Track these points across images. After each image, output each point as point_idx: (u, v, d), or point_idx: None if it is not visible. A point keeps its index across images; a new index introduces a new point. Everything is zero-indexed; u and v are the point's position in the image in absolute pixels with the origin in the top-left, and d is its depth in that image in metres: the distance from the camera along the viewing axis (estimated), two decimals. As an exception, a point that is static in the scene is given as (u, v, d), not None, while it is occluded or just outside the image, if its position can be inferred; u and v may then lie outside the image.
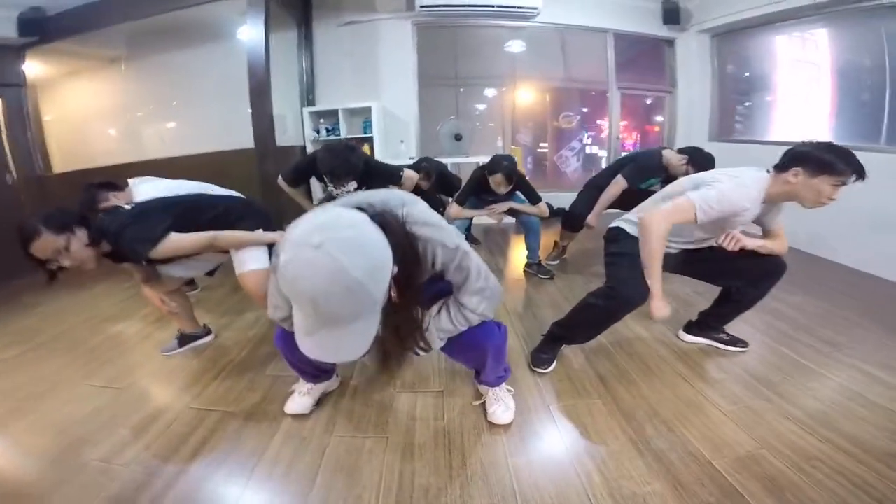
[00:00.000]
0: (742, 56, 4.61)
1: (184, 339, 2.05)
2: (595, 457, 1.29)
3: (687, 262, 1.76)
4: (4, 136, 3.99)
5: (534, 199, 2.80)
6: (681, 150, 2.65)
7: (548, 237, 3.24)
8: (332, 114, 4.40)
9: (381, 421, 1.48)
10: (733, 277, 1.74)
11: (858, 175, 1.38)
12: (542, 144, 5.35)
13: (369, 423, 1.47)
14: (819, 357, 1.84)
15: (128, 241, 1.50)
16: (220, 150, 4.00)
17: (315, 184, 3.60)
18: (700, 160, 2.47)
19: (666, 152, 2.68)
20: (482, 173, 2.75)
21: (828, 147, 1.44)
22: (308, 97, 4.50)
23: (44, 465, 1.32)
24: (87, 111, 4.42)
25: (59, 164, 4.31)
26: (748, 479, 1.17)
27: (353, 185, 2.31)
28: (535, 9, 4.24)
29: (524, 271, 2.98)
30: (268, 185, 3.81)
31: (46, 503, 1.18)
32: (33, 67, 4.15)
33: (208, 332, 2.14)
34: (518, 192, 2.84)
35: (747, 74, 4.64)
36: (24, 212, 3.98)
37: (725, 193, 1.46)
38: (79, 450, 1.38)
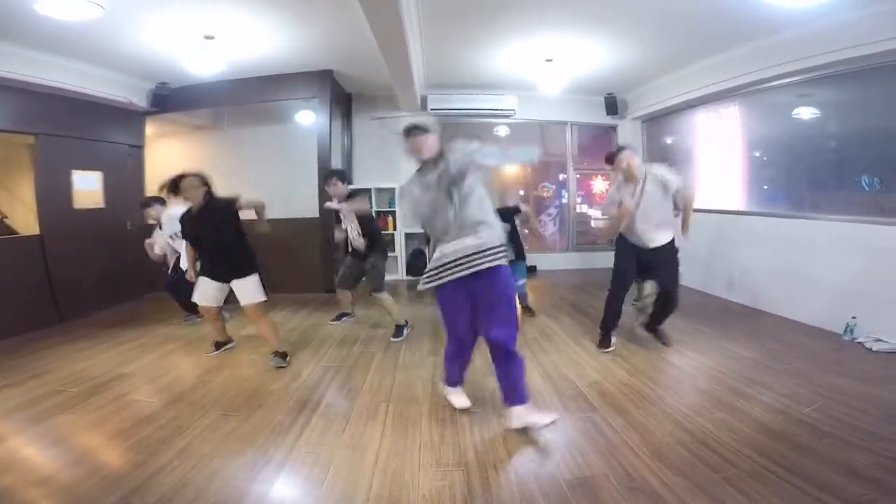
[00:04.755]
0: (667, 134, 6.04)
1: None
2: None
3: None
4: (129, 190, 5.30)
5: None
6: None
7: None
8: (365, 191, 5.74)
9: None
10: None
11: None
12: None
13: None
14: (661, 348, 3.27)
15: None
16: (286, 217, 4.93)
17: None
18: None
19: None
20: None
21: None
22: (349, 176, 5.96)
23: (245, 398, 2.58)
24: (174, 171, 5.50)
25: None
26: (591, 391, 2.58)
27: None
28: (513, 110, 5.90)
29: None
30: (327, 247, 5.22)
31: (258, 409, 2.43)
32: (149, 132, 5.47)
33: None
34: None
35: (671, 145, 5.97)
36: (137, 254, 5.30)
37: None
38: (263, 387, 2.73)
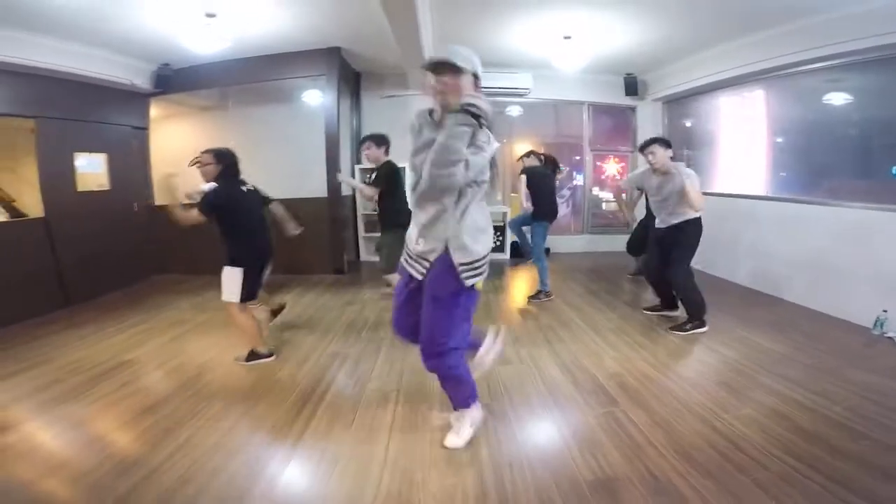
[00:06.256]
0: (688, 117, 5.82)
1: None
2: (538, 372, 2.60)
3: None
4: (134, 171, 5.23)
5: None
6: None
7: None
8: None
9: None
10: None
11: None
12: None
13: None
14: (684, 339, 3.14)
15: None
16: (294, 197, 4.84)
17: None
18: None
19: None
20: None
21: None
22: (357, 155, 5.82)
23: (250, 386, 2.51)
24: (180, 152, 5.33)
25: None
26: (611, 383, 2.46)
27: None
28: (528, 89, 5.66)
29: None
30: (336, 226, 5.15)
31: (263, 398, 2.37)
32: (154, 113, 5.36)
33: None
34: None
35: (692, 128, 5.78)
36: (142, 235, 5.26)
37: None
38: (268, 375, 2.65)
